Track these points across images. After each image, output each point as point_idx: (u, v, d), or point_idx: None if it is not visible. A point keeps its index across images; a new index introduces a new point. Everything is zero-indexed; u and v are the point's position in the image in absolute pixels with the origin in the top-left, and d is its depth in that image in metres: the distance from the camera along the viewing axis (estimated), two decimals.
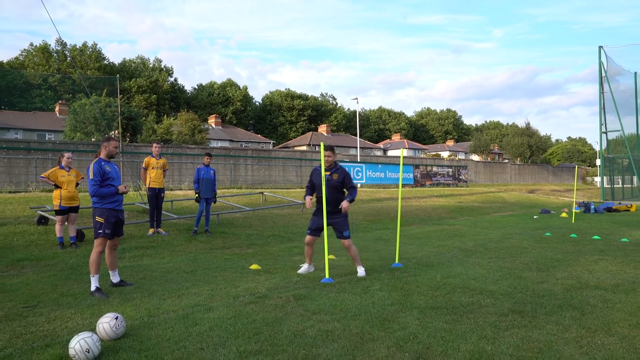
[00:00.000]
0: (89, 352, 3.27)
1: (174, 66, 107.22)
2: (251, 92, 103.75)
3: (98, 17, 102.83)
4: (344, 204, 5.97)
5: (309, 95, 65.71)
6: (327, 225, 5.94)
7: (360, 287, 5.42)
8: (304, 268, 6.34)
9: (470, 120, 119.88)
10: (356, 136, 43.39)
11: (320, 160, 5.92)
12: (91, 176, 5.27)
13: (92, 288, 5.22)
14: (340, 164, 6.27)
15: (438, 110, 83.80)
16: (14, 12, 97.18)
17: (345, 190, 6.20)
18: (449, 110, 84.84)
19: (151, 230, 9.52)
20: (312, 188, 6.28)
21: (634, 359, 3.28)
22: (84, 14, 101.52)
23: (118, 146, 5.65)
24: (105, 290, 5.39)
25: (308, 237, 6.20)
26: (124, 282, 5.67)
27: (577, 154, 58.71)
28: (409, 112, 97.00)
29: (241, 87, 60.54)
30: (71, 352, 3.28)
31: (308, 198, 6.25)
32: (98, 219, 5.34)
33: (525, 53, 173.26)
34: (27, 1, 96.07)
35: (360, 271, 6.17)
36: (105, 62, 51.92)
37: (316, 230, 6.14)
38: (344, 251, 8.53)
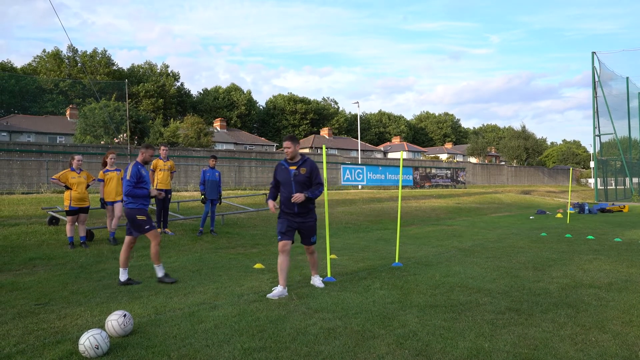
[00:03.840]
0: (98, 348, 3.34)
1: (181, 71, 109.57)
2: (255, 97, 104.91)
3: (109, 25, 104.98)
4: (298, 195, 5.05)
5: (312, 99, 66.49)
6: (295, 228, 5.22)
7: (361, 286, 5.51)
8: (277, 291, 5.03)
9: (468, 123, 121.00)
10: (357, 139, 43.47)
11: (322, 162, 5.93)
12: (128, 177, 5.63)
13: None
14: (309, 158, 5.36)
15: (437, 114, 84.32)
16: (30, 20, 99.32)
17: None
18: (447, 113, 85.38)
19: (158, 231, 9.62)
20: (277, 187, 5.35)
21: (627, 355, 3.34)
22: (96, 22, 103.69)
23: (154, 155, 6.20)
24: (115, 286, 5.58)
25: (282, 243, 5.12)
26: (166, 278, 5.79)
27: (571, 157, 59.01)
28: (409, 116, 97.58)
29: (245, 92, 60.92)
30: (81, 348, 3.34)
31: (271, 203, 5.29)
32: (140, 217, 5.68)
33: (521, 59, 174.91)
34: (41, 10, 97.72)
35: (316, 280, 5.48)
36: (115, 67, 52.70)
37: (290, 233, 5.19)
38: (346, 250, 8.60)
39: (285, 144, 5.21)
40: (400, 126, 74.66)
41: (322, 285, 5.45)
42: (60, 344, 3.60)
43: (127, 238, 5.74)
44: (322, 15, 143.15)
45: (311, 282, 5.58)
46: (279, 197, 5.42)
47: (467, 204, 21.07)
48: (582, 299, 4.85)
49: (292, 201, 5.06)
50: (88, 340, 3.35)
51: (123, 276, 5.71)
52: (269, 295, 4.94)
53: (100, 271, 6.62)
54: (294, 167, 5.20)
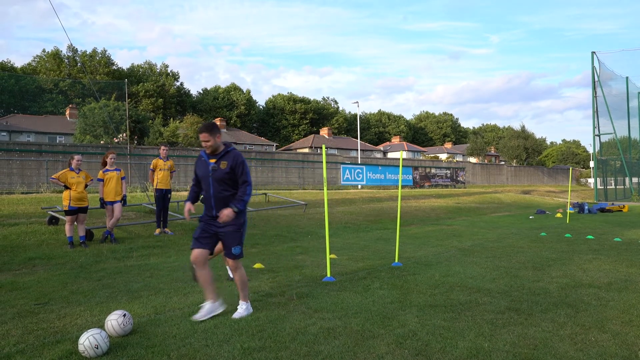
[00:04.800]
0: (97, 348, 3.34)
1: (181, 71, 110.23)
2: (255, 97, 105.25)
3: (109, 25, 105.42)
4: (225, 212, 4.07)
5: (311, 99, 66.63)
6: (213, 233, 4.24)
7: (361, 285, 5.51)
8: (207, 308, 4.18)
9: (468, 123, 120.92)
10: (357, 139, 43.52)
11: (321, 162, 5.90)
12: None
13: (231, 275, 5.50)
14: (234, 149, 4.34)
15: (436, 114, 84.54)
16: (30, 20, 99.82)
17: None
18: (446, 113, 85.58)
19: (158, 230, 9.64)
20: (199, 184, 4.35)
21: (627, 355, 3.34)
22: (96, 22, 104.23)
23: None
24: (115, 286, 5.56)
25: (195, 252, 4.20)
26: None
27: (571, 156, 59.08)
28: (408, 116, 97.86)
29: (245, 91, 61.05)
30: (80, 348, 3.34)
31: (187, 206, 4.30)
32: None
33: (521, 59, 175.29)
34: (42, 10, 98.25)
35: (240, 310, 4.29)
36: (114, 67, 52.89)
37: (205, 240, 4.21)
38: (345, 250, 8.59)
39: (202, 136, 4.15)
40: (400, 126, 74.77)
41: (243, 314, 4.26)
42: (60, 344, 3.60)
43: None
44: (322, 15, 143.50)
45: (234, 315, 4.23)
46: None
47: (466, 203, 21.08)
48: (581, 299, 4.86)
49: (220, 221, 4.12)
50: (88, 340, 3.35)
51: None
52: (194, 317, 4.04)
53: (100, 271, 6.62)
54: (214, 160, 4.20)
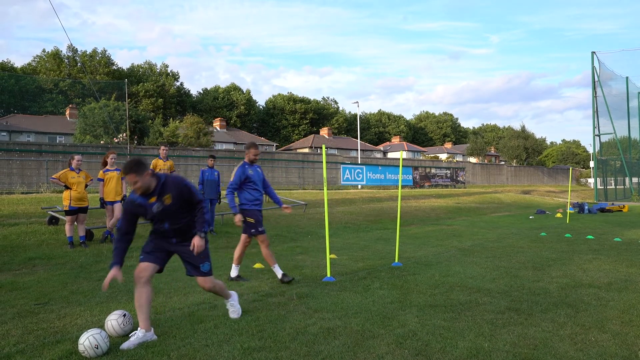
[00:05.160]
0: (97, 348, 3.34)
1: (181, 71, 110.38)
2: (255, 97, 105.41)
3: (110, 25, 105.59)
4: (197, 244, 3.78)
5: (311, 99, 66.64)
6: (168, 251, 3.95)
7: (361, 285, 5.51)
8: (133, 338, 3.59)
9: (468, 123, 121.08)
10: (357, 139, 43.54)
11: (321, 162, 5.92)
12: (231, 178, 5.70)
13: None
14: (166, 176, 3.80)
15: (436, 114, 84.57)
16: (30, 20, 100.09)
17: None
18: (446, 113, 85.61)
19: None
20: (128, 234, 3.83)
21: (627, 355, 3.34)
22: (96, 22, 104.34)
23: (257, 153, 5.96)
24: (115, 286, 5.51)
25: (142, 266, 3.78)
26: (285, 277, 5.72)
27: (571, 156, 59.11)
28: (408, 116, 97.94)
29: (245, 91, 61.08)
30: (80, 348, 3.34)
31: (114, 272, 3.69)
32: (249, 219, 5.65)
33: (521, 59, 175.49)
34: (42, 11, 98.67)
35: (231, 307, 4.24)
36: (114, 67, 52.92)
37: (157, 255, 3.84)
38: (345, 250, 8.60)
39: (130, 178, 3.57)
40: (400, 126, 74.79)
41: (237, 307, 4.25)
42: (60, 344, 3.60)
43: (242, 236, 5.79)
44: (322, 15, 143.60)
45: (231, 314, 4.20)
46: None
47: (466, 203, 21.08)
48: (581, 299, 4.86)
49: (196, 254, 3.85)
50: (88, 340, 3.35)
51: (234, 272, 5.80)
52: (122, 346, 3.51)
53: (100, 271, 6.62)
54: (154, 199, 3.70)
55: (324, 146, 6.04)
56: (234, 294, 4.29)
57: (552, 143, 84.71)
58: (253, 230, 5.66)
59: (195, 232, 3.83)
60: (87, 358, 3.33)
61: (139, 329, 3.64)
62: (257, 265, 6.87)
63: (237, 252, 5.83)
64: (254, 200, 5.72)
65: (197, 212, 3.85)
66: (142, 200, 3.70)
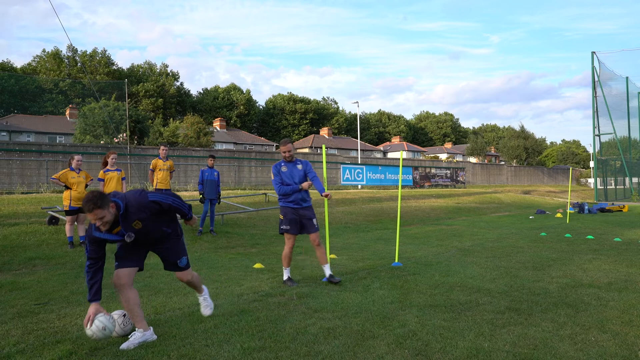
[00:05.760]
0: (105, 329, 3.43)
1: (182, 71, 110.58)
2: (255, 97, 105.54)
3: (110, 25, 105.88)
4: (192, 222, 3.92)
5: (311, 99, 66.65)
6: (150, 250, 3.87)
7: (361, 285, 5.51)
8: (133, 337, 3.58)
9: (468, 123, 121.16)
10: (357, 139, 43.56)
11: (321, 162, 5.94)
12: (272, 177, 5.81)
13: (284, 278, 5.71)
14: (127, 200, 3.53)
15: (436, 114, 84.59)
16: (30, 20, 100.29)
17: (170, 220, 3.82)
18: (447, 113, 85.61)
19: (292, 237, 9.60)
20: (98, 260, 3.62)
21: (627, 355, 3.34)
22: (96, 22, 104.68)
23: (291, 149, 5.90)
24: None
25: (120, 272, 3.68)
26: (333, 278, 5.68)
27: (571, 156, 59.09)
28: (408, 116, 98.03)
29: (245, 91, 61.11)
30: (88, 332, 3.41)
31: (93, 309, 3.47)
32: (280, 216, 5.74)
33: (521, 59, 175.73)
34: (42, 11, 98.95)
35: (203, 300, 4.18)
36: (114, 67, 52.96)
37: (132, 257, 3.72)
38: (345, 250, 8.61)
39: (95, 214, 3.29)
40: (400, 126, 74.82)
41: (210, 302, 4.20)
42: (60, 344, 3.60)
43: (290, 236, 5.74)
44: (322, 15, 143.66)
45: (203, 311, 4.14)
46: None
47: (466, 203, 21.08)
48: (581, 299, 4.86)
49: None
50: (95, 324, 3.41)
51: (285, 275, 5.75)
52: (122, 346, 3.49)
53: None
54: (118, 229, 3.53)
55: (324, 146, 6.05)
56: (205, 289, 4.19)
57: (552, 143, 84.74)
58: (281, 228, 5.66)
59: (188, 217, 3.89)
60: (96, 340, 3.43)
61: (136, 329, 3.66)
62: (257, 266, 6.87)
63: (282, 255, 5.75)
64: (285, 197, 5.70)
65: (172, 212, 3.75)
66: (107, 236, 3.52)
